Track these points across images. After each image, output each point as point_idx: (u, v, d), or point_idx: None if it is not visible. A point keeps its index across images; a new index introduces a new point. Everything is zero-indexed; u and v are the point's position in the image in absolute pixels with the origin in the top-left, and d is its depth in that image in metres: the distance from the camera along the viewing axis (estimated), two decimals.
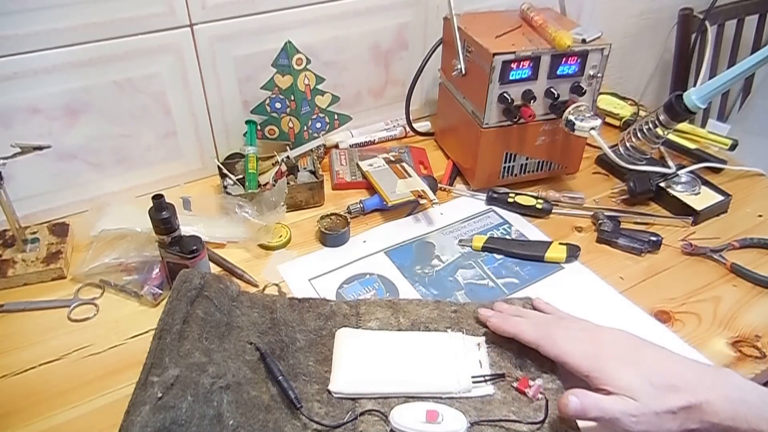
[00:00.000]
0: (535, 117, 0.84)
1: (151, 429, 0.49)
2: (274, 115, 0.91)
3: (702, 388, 0.52)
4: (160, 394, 0.51)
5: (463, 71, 0.86)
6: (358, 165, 0.94)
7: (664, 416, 0.50)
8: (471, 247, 0.81)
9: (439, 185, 0.91)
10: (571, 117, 0.81)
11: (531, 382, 0.59)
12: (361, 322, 0.66)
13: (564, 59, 0.80)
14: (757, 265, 0.77)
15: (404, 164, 0.93)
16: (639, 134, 0.84)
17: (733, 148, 0.97)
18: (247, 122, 0.90)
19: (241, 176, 0.87)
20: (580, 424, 0.55)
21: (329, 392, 0.59)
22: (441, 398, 0.58)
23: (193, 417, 0.51)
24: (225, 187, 0.86)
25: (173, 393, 0.52)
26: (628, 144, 0.85)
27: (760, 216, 0.87)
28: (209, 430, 0.52)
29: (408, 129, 1.05)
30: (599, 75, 0.82)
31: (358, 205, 0.86)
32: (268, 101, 0.90)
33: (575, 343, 0.58)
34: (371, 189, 0.90)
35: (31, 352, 0.66)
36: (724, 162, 0.95)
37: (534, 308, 0.68)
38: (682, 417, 0.50)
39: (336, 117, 0.95)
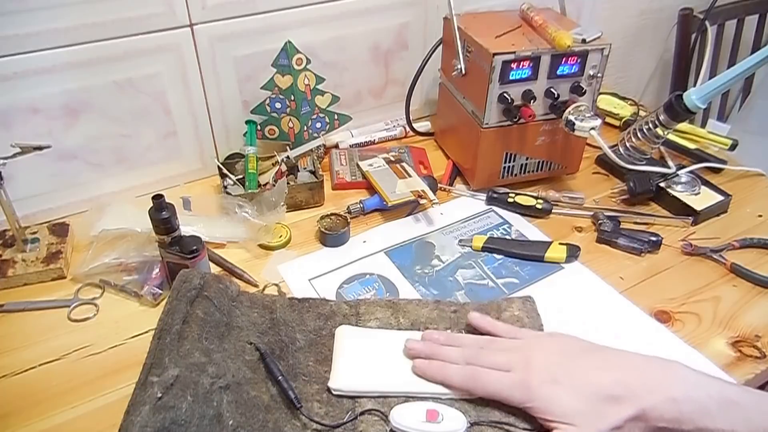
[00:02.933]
0: (535, 117, 0.84)
1: (151, 429, 0.49)
2: (274, 115, 0.91)
3: (644, 392, 0.50)
4: (159, 394, 0.51)
5: (463, 71, 0.86)
6: (358, 165, 0.94)
7: None
8: (471, 247, 0.81)
9: (439, 185, 0.91)
10: (571, 117, 0.81)
11: None
12: (361, 322, 0.66)
13: (564, 59, 0.80)
14: (757, 265, 0.77)
15: (404, 164, 0.93)
16: (639, 134, 0.84)
17: (733, 148, 0.97)
18: (247, 122, 0.90)
19: (241, 176, 0.87)
20: None
21: (329, 392, 0.59)
22: (441, 398, 0.58)
23: (193, 417, 0.51)
24: (225, 187, 0.86)
25: (173, 393, 0.52)
26: (628, 144, 0.85)
27: (760, 216, 0.87)
28: (209, 430, 0.52)
29: (408, 129, 1.05)
30: (599, 75, 0.82)
31: (358, 205, 0.86)
32: (268, 101, 0.90)
33: (502, 378, 0.55)
34: (371, 189, 0.90)
35: (31, 352, 0.66)
36: (724, 162, 0.95)
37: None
38: (627, 428, 0.49)
39: (336, 117, 0.95)
